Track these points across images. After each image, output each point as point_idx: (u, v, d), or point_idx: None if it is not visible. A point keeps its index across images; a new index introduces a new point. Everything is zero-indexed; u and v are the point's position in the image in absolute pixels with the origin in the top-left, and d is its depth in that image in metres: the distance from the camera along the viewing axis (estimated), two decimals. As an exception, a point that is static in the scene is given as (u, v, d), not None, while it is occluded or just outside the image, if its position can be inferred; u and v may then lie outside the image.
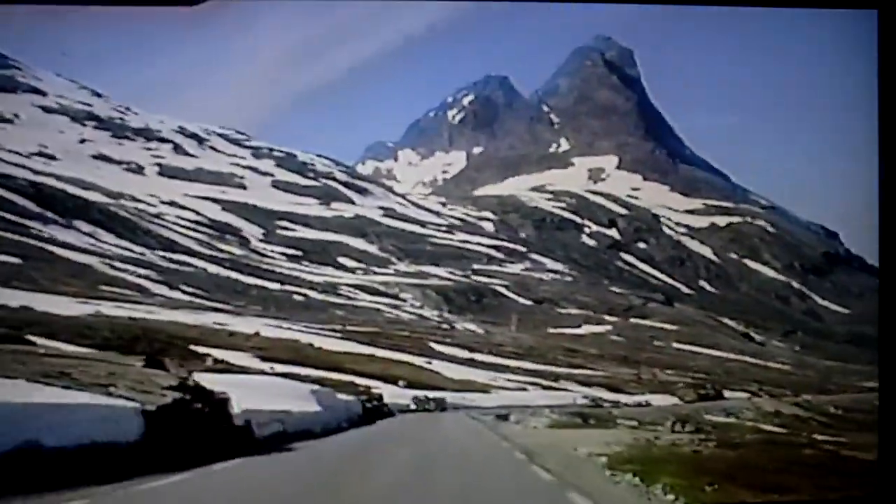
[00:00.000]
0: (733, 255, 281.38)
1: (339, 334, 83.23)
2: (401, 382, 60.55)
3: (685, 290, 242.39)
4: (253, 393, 21.36)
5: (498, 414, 42.68)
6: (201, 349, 48.10)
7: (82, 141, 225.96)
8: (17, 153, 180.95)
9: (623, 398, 68.18)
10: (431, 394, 55.94)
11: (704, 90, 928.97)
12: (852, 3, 6.42)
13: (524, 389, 70.43)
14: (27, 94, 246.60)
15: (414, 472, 13.94)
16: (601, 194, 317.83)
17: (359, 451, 18.75)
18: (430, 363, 77.26)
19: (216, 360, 41.36)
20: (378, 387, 51.80)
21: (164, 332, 52.78)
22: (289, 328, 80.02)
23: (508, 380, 75.20)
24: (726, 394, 74.54)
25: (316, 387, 30.27)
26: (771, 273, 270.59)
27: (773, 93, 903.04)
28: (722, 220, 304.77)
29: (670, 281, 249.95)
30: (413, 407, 51.97)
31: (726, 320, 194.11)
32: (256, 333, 67.12)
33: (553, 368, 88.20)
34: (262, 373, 40.06)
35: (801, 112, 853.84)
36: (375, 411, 39.43)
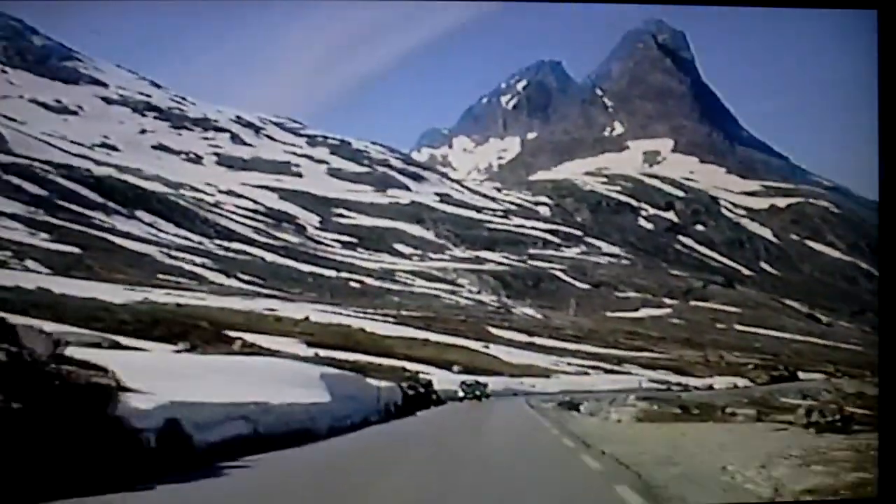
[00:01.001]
0: (795, 237, 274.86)
1: (392, 319, 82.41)
2: (455, 367, 57.56)
3: (746, 272, 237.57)
4: (236, 378, 16.00)
5: (562, 401, 36.02)
6: (235, 333, 44.89)
7: (142, 131, 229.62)
8: (80, 144, 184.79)
9: (691, 381, 66.30)
10: (482, 378, 49.85)
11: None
12: (852, 3, 6.53)
13: (586, 373, 68.65)
14: (89, 85, 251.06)
15: None
16: (657, 177, 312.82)
17: (349, 472, 10.95)
18: (487, 347, 75.34)
19: (245, 344, 38.66)
20: (431, 372, 48.58)
21: (204, 317, 50.82)
22: (340, 313, 79.25)
23: (569, 363, 73.76)
24: (800, 375, 72.39)
25: (331, 370, 22.89)
26: (836, 254, 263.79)
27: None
28: (782, 202, 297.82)
29: (730, 263, 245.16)
30: (461, 394, 45.48)
31: (790, 302, 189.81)
32: (306, 318, 65.86)
33: (615, 352, 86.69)
34: (296, 357, 34.55)
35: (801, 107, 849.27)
36: (419, 399, 34.28)
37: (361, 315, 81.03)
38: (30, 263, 71.19)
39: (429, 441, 17.37)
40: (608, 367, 74.47)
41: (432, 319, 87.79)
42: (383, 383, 27.85)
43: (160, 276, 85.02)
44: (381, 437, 18.65)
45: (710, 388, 60.41)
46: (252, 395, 14.17)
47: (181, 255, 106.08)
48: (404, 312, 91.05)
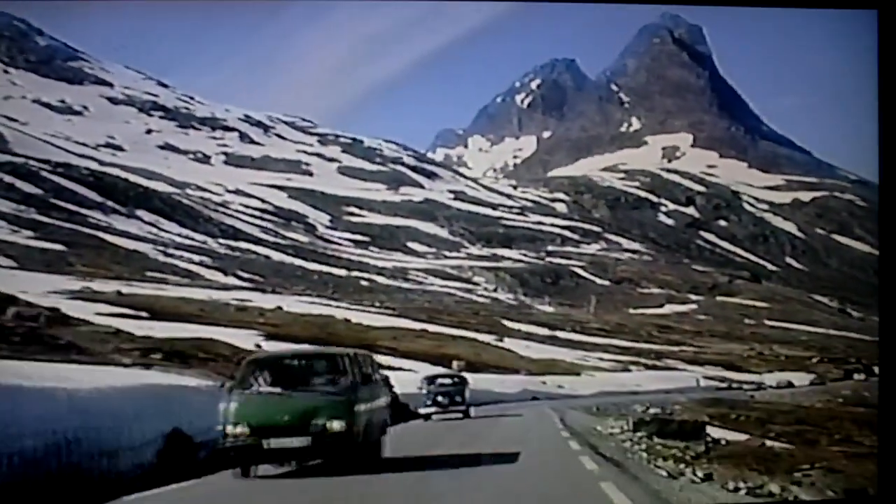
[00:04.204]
0: (820, 231, 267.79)
1: (390, 311, 74.90)
2: (456, 363, 44.61)
3: (771, 267, 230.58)
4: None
5: (642, 417, 19.10)
6: (157, 323, 37.41)
7: (149, 131, 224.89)
8: (84, 144, 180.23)
9: (761, 378, 58.19)
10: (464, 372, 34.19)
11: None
12: (852, 3, 6.50)
13: (627, 370, 59.75)
14: (94, 85, 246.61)
15: None
16: (677, 172, 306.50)
17: None
18: (500, 340, 65.83)
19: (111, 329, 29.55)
20: (419, 370, 38.45)
21: (145, 307, 44.34)
22: (328, 304, 71.90)
23: (600, 359, 65.15)
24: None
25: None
26: (864, 248, 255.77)
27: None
28: (806, 196, 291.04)
29: (755, 258, 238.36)
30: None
31: (818, 297, 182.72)
32: (277, 308, 59.46)
33: (650, 346, 78.51)
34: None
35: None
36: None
37: (353, 306, 73.77)
38: (2, 260, 65.77)
39: None
40: (648, 362, 65.74)
41: (437, 311, 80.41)
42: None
43: (150, 273, 79.05)
44: None
45: (790, 384, 51.99)
46: None
47: (178, 252, 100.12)
48: (407, 305, 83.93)
